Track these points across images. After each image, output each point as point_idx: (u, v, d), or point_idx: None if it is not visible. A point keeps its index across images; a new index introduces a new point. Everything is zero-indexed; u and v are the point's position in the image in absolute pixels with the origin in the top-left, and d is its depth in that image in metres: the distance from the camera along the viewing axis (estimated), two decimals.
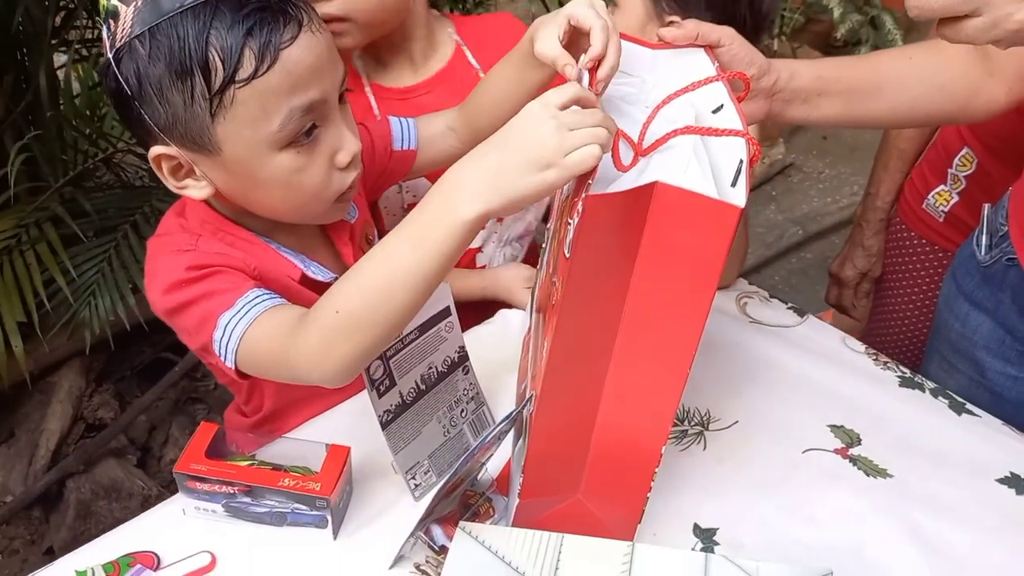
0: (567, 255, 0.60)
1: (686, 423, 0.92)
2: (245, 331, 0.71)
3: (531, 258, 1.26)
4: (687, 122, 0.68)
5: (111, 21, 0.68)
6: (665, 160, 0.65)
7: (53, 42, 1.80)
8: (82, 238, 1.61)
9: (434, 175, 1.09)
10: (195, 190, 0.75)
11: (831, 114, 0.87)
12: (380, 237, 0.68)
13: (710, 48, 0.76)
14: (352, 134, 0.76)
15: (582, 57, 0.71)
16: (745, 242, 1.11)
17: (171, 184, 0.75)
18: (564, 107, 0.59)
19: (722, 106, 0.70)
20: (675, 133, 0.64)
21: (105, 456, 1.81)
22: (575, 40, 0.74)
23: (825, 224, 3.09)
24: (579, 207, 0.58)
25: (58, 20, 1.84)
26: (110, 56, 0.69)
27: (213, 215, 0.80)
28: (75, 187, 1.70)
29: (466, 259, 1.20)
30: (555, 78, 0.79)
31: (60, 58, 1.89)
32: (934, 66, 0.83)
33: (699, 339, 0.62)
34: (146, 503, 1.78)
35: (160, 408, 1.98)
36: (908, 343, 1.33)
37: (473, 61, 1.12)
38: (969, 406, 0.96)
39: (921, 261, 1.27)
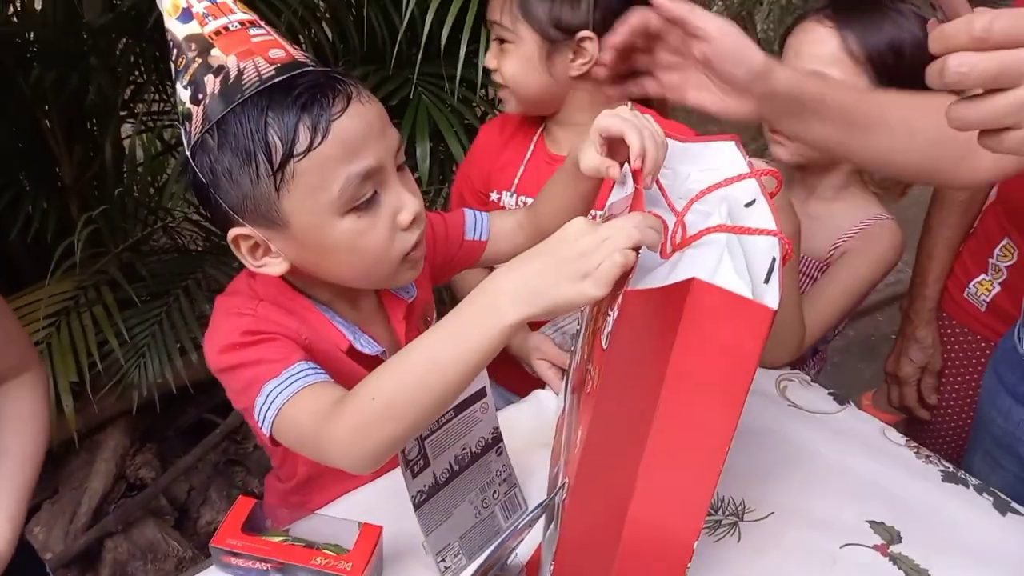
0: (604, 346, 0.62)
1: (720, 512, 0.91)
2: (285, 402, 0.74)
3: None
4: (720, 215, 0.70)
5: (187, 123, 0.74)
6: (700, 255, 0.66)
7: (122, 114, 1.92)
8: (136, 302, 1.68)
9: None
10: (273, 267, 0.79)
11: (822, 138, 0.85)
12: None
13: (739, 140, 0.78)
14: (412, 195, 0.79)
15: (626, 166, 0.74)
16: (802, 327, 1.11)
17: (250, 263, 0.79)
18: (605, 220, 0.62)
19: (754, 201, 0.71)
20: (708, 231, 0.65)
21: (144, 516, 1.84)
22: (616, 148, 0.78)
23: (870, 301, 3.02)
24: (619, 301, 0.59)
25: (127, 93, 1.96)
26: (188, 154, 0.75)
27: (279, 282, 0.84)
28: (133, 252, 1.78)
29: None
30: (603, 184, 0.83)
31: (128, 128, 2.01)
32: (937, 120, 0.82)
33: (732, 436, 0.62)
34: (180, 565, 1.80)
35: (200, 470, 2.01)
36: (951, 436, 1.30)
37: None
38: (1015, 505, 0.93)
39: (964, 350, 1.25)
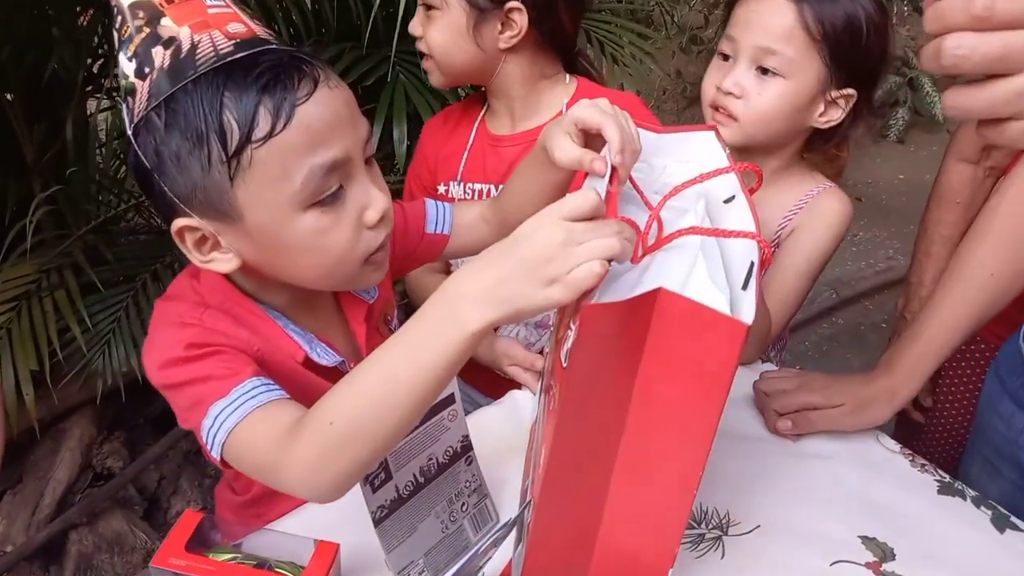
0: (564, 364, 0.56)
1: (703, 526, 0.86)
2: (236, 425, 0.68)
3: None
4: (696, 212, 0.64)
5: (129, 99, 0.67)
6: (672, 259, 0.60)
7: (88, 89, 1.83)
8: (99, 287, 1.60)
9: None
10: (221, 263, 0.72)
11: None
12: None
13: (719, 134, 0.72)
14: (380, 191, 0.73)
15: (604, 151, 0.68)
16: (768, 319, 1.06)
17: (196, 258, 0.72)
18: (575, 219, 0.55)
19: (733, 197, 0.65)
20: (681, 233, 0.59)
21: (111, 507, 1.78)
22: (590, 141, 0.72)
23: (859, 288, 3.01)
24: (576, 317, 0.53)
25: (97, 68, 1.87)
26: (130, 133, 0.67)
27: (226, 286, 0.78)
28: (97, 235, 1.70)
29: None
30: (576, 176, 0.76)
31: (95, 105, 1.92)
32: None
33: (705, 460, 0.57)
34: (148, 557, 1.74)
35: (171, 459, 1.95)
36: (946, 440, 1.26)
37: None
38: (1014, 519, 0.88)
39: (962, 352, 1.20)
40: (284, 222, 0.68)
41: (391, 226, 0.75)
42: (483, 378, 1.22)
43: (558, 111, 1.13)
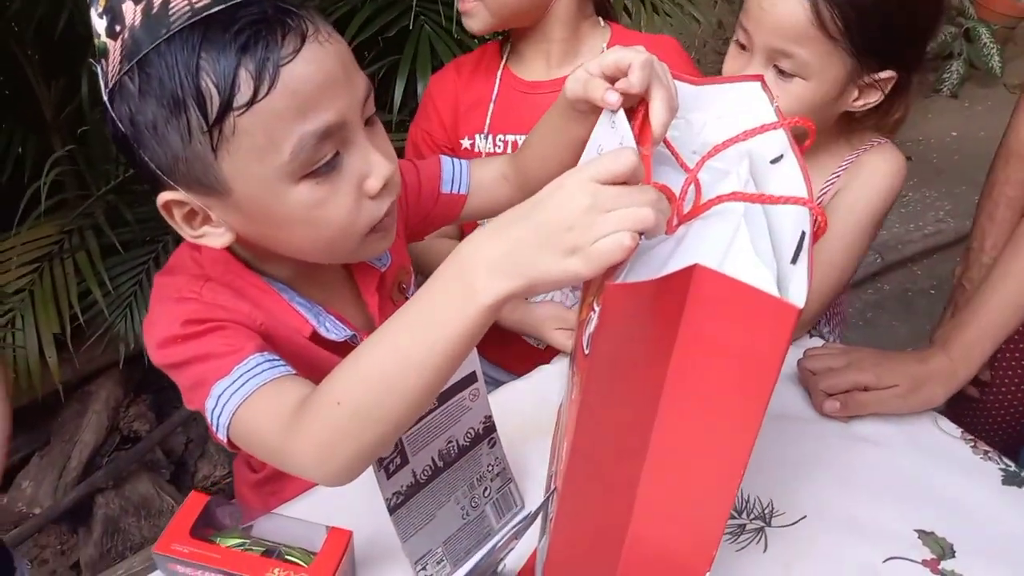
0: (586, 351, 0.49)
1: (744, 515, 0.80)
2: (239, 405, 0.63)
3: None
4: (739, 175, 0.56)
5: (103, 60, 0.60)
6: (711, 229, 0.53)
7: None
8: (119, 249, 1.57)
9: None
10: (214, 238, 0.66)
11: None
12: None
13: (764, 81, 0.63)
14: (383, 156, 0.66)
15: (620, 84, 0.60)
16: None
17: (187, 233, 0.66)
18: (605, 182, 0.48)
19: (782, 156, 0.57)
20: (720, 199, 0.52)
21: (138, 470, 1.77)
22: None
23: (906, 252, 2.87)
24: (599, 298, 0.47)
25: None
26: (105, 98, 0.61)
27: (226, 256, 0.72)
28: (119, 195, 1.66)
29: None
30: None
31: None
32: None
33: (748, 457, 0.50)
34: None
35: (198, 422, 1.93)
36: (1004, 416, 1.17)
37: None
38: None
39: None
40: (275, 195, 0.62)
41: (397, 191, 0.68)
42: (509, 352, 1.16)
43: (599, 52, 1.04)
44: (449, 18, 1.43)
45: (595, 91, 0.62)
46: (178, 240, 1.69)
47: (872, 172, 0.99)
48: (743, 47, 0.93)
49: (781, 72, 0.90)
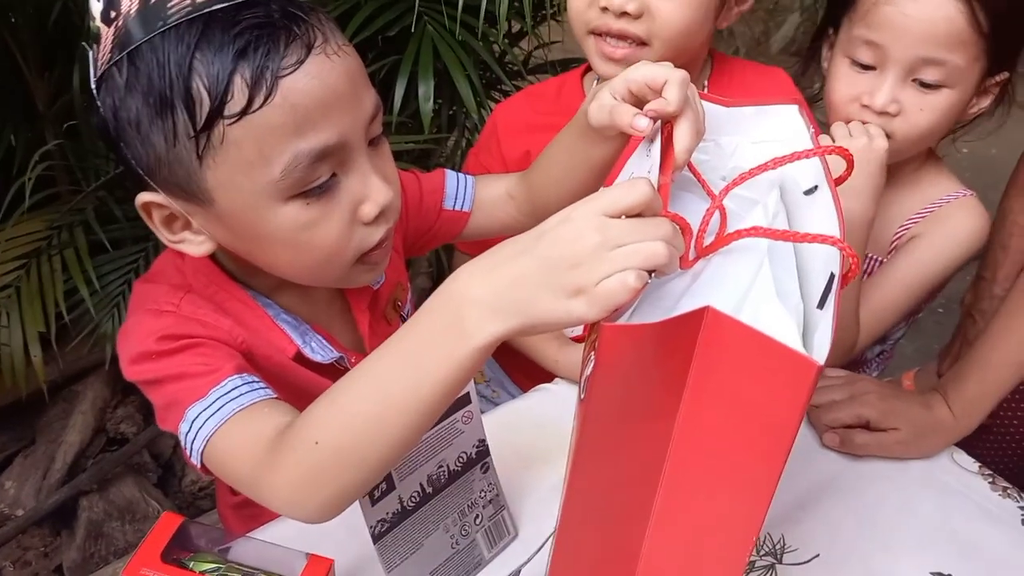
0: (581, 396, 0.45)
1: (754, 551, 0.75)
2: (214, 431, 0.59)
3: None
4: (767, 207, 0.51)
5: (95, 46, 0.57)
6: (729, 266, 0.48)
7: None
8: (108, 247, 1.52)
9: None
10: (193, 245, 0.62)
11: None
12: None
13: (806, 106, 0.59)
14: (383, 181, 0.61)
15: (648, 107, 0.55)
16: (855, 330, 0.93)
17: (165, 237, 0.62)
18: (618, 215, 0.44)
19: (816, 187, 0.53)
20: (739, 234, 0.47)
21: (124, 473, 1.72)
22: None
23: None
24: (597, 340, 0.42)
25: None
26: (93, 86, 0.57)
27: (211, 266, 0.68)
28: (110, 191, 1.61)
29: None
30: (623, 152, 0.64)
31: None
32: None
33: (763, 519, 0.46)
34: None
35: None
36: (1016, 449, 1.12)
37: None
38: None
39: None
40: (260, 212, 0.58)
41: (395, 219, 0.64)
42: (518, 361, 1.07)
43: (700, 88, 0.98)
44: (452, 18, 1.38)
45: (622, 117, 0.57)
46: None
47: (955, 227, 0.95)
48: (865, 66, 0.85)
49: (924, 84, 0.84)
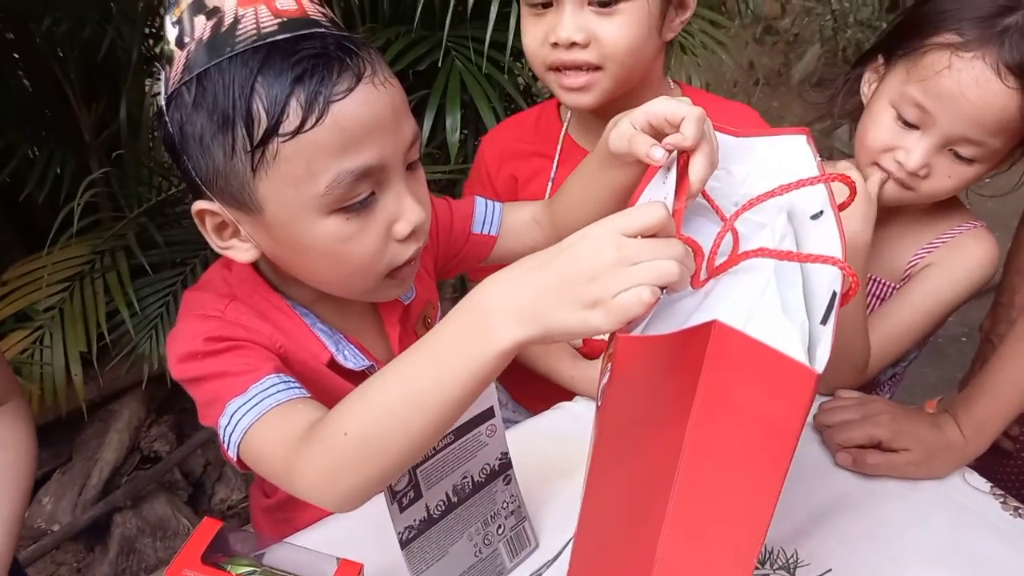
0: (599, 404, 0.48)
1: (767, 566, 0.77)
2: (251, 424, 0.63)
3: None
4: (774, 229, 0.55)
5: (168, 67, 0.63)
6: (738, 285, 0.52)
7: (145, 68, 1.82)
8: (148, 271, 1.59)
9: None
10: (240, 252, 0.68)
11: None
12: None
13: (812, 138, 0.63)
14: (416, 202, 0.66)
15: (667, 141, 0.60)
16: (867, 353, 0.96)
17: (215, 243, 0.68)
18: (634, 235, 0.48)
19: (821, 212, 0.56)
20: (747, 255, 0.51)
21: (156, 491, 1.77)
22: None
23: None
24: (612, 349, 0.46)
25: (154, 47, 1.86)
26: (163, 103, 0.63)
27: (254, 277, 0.74)
28: (150, 218, 1.69)
29: None
30: (642, 177, 0.69)
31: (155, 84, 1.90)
32: None
33: (769, 520, 0.48)
34: None
35: (217, 445, 1.93)
36: None
37: None
38: None
39: None
40: (304, 223, 0.63)
41: (424, 239, 0.69)
42: (529, 390, 1.13)
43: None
44: (480, 53, 1.45)
45: (640, 147, 0.62)
46: (205, 265, 1.72)
47: (967, 257, 0.98)
48: (909, 124, 0.87)
49: (959, 157, 0.87)
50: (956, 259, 0.98)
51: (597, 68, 0.88)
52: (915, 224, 1.01)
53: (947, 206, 1.02)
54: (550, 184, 1.02)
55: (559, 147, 1.02)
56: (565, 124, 1.03)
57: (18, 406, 0.85)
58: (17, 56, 1.66)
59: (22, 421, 0.85)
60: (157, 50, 1.80)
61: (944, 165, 0.88)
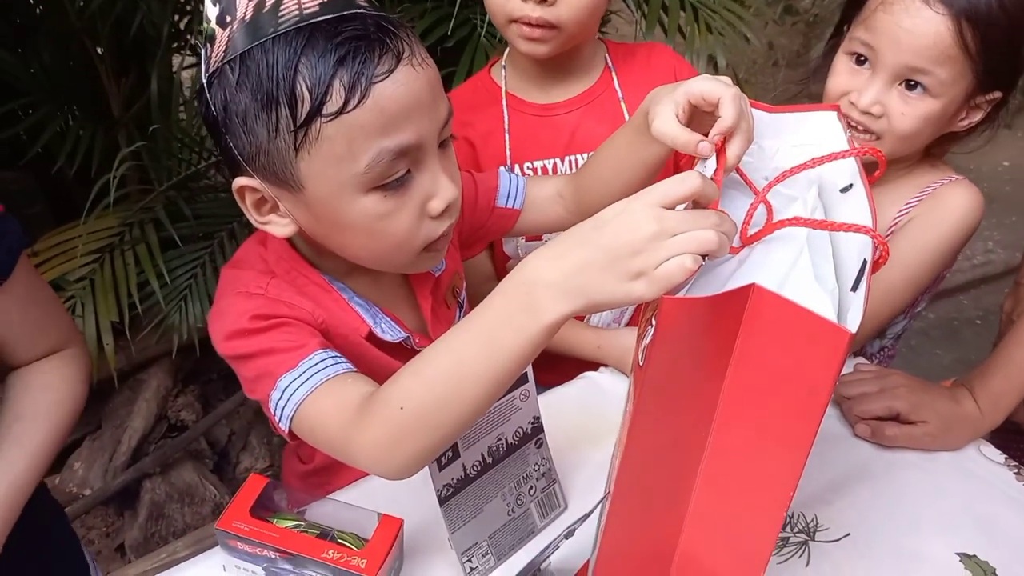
0: (640, 363, 0.51)
1: (788, 529, 0.80)
2: (304, 398, 0.66)
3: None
4: (806, 201, 0.57)
5: (208, 45, 0.64)
6: (774, 252, 0.54)
7: (175, 44, 1.84)
8: (178, 243, 1.62)
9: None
10: (278, 227, 0.70)
11: None
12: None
13: (843, 114, 0.65)
14: (450, 180, 0.68)
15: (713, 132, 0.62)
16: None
17: (254, 218, 0.70)
18: (672, 206, 0.50)
19: (851, 185, 0.59)
20: (782, 223, 0.53)
21: (183, 458, 1.82)
22: (696, 119, 0.66)
23: (954, 282, 2.83)
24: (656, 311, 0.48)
25: (183, 23, 1.88)
26: (204, 81, 0.65)
27: (291, 253, 0.76)
28: (178, 191, 1.72)
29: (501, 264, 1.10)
30: (672, 153, 0.71)
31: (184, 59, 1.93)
32: None
33: (800, 474, 0.51)
34: (216, 510, 1.78)
35: (241, 415, 1.98)
36: None
37: (618, 88, 1.05)
38: None
39: None
40: (343, 201, 0.65)
41: (456, 215, 0.71)
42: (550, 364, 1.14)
43: (604, 67, 1.06)
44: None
45: (688, 147, 0.63)
46: (233, 237, 1.74)
47: (948, 207, 0.99)
48: (860, 59, 0.93)
49: (910, 89, 0.90)
50: (938, 209, 1.00)
51: (553, 27, 0.93)
52: (897, 184, 1.02)
53: (927, 168, 1.03)
54: (507, 145, 1.05)
55: (504, 106, 1.06)
56: (503, 84, 1.07)
57: (74, 355, 0.86)
58: (49, 32, 1.68)
59: (70, 370, 0.86)
60: (191, 27, 1.83)
61: (896, 102, 0.91)
